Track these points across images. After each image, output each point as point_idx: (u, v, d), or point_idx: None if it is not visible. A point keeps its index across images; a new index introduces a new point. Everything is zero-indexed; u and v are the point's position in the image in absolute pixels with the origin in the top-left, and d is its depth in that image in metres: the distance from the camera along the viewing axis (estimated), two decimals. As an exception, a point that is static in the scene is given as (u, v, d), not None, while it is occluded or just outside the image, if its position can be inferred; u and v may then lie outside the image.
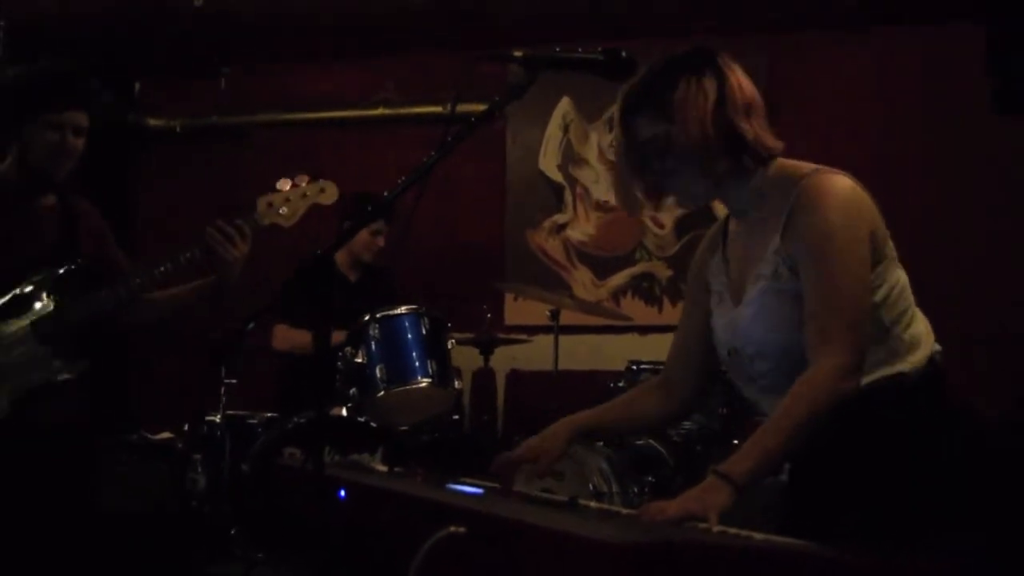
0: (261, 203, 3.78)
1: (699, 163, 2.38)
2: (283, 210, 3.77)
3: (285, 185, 3.80)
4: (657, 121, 2.39)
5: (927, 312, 2.45)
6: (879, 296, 2.34)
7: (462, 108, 5.54)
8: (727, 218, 2.60)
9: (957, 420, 2.37)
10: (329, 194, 3.84)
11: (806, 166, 2.42)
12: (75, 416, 3.78)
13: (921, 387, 2.35)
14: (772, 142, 2.43)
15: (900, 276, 2.40)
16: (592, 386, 5.50)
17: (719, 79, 2.38)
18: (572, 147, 7.13)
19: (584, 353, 6.59)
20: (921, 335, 2.39)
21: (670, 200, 2.53)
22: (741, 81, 2.42)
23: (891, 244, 2.40)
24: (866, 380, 2.28)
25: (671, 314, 6.85)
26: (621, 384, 5.17)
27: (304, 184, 3.81)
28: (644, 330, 6.80)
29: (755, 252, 2.43)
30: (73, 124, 3.71)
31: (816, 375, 2.24)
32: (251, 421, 4.88)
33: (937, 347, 2.41)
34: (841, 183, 2.35)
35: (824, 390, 2.22)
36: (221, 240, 3.70)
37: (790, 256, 2.33)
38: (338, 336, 4.94)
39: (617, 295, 7.01)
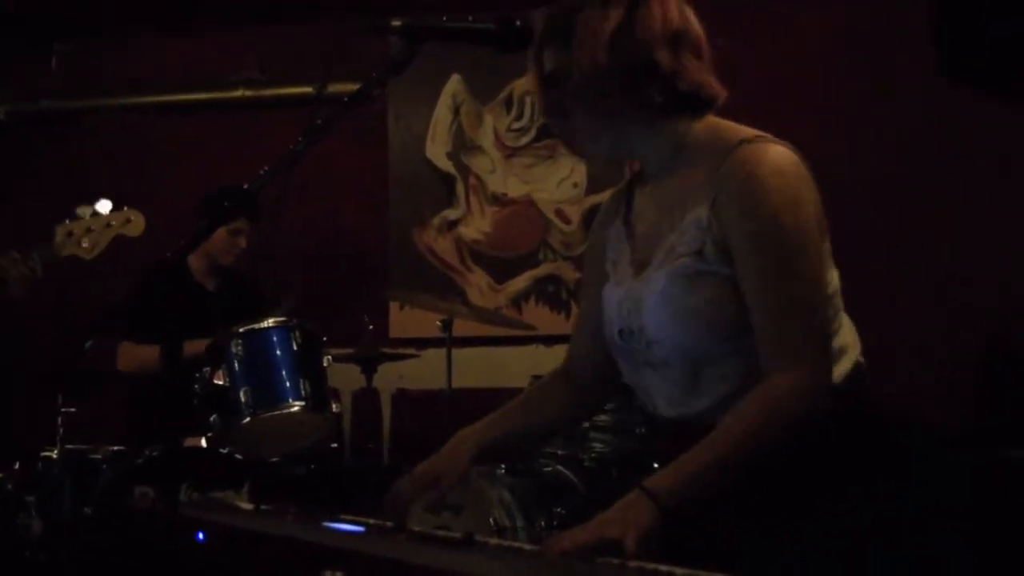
0: (60, 232, 3.74)
1: (598, 99, 2.36)
2: (84, 242, 3.73)
3: (86, 212, 3.76)
4: (558, 52, 2.39)
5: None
6: None
7: (335, 87, 5.52)
8: (631, 181, 2.59)
9: (883, 438, 2.37)
10: (136, 225, 3.82)
11: (745, 130, 2.38)
12: None
13: (843, 401, 2.30)
14: (703, 77, 2.40)
15: (833, 277, 2.38)
16: (491, 405, 5.48)
17: (632, 2, 2.36)
18: (464, 132, 7.13)
19: (481, 368, 6.60)
20: (848, 345, 2.38)
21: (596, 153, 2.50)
22: (669, 9, 2.38)
23: (828, 238, 2.38)
24: None
25: (580, 322, 6.87)
26: (524, 403, 5.18)
27: (108, 212, 3.78)
28: (549, 340, 6.81)
29: (671, 220, 2.39)
30: None
31: (773, 393, 2.20)
32: (94, 456, 4.80)
33: (861, 358, 2.40)
34: (789, 158, 2.31)
35: (791, 409, 2.18)
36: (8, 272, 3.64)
37: (721, 236, 2.28)
38: (194, 347, 4.90)
39: (518, 301, 7.03)
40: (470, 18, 2.41)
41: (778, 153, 2.30)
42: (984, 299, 6.28)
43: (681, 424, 2.36)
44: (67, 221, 3.73)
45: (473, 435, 2.67)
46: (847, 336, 2.39)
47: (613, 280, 2.53)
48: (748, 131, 2.37)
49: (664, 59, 2.34)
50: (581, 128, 2.43)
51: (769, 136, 2.35)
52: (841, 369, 2.33)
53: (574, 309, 6.93)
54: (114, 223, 3.77)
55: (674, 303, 2.32)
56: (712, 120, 2.43)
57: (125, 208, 3.78)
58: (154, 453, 4.50)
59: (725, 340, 2.28)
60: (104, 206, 3.77)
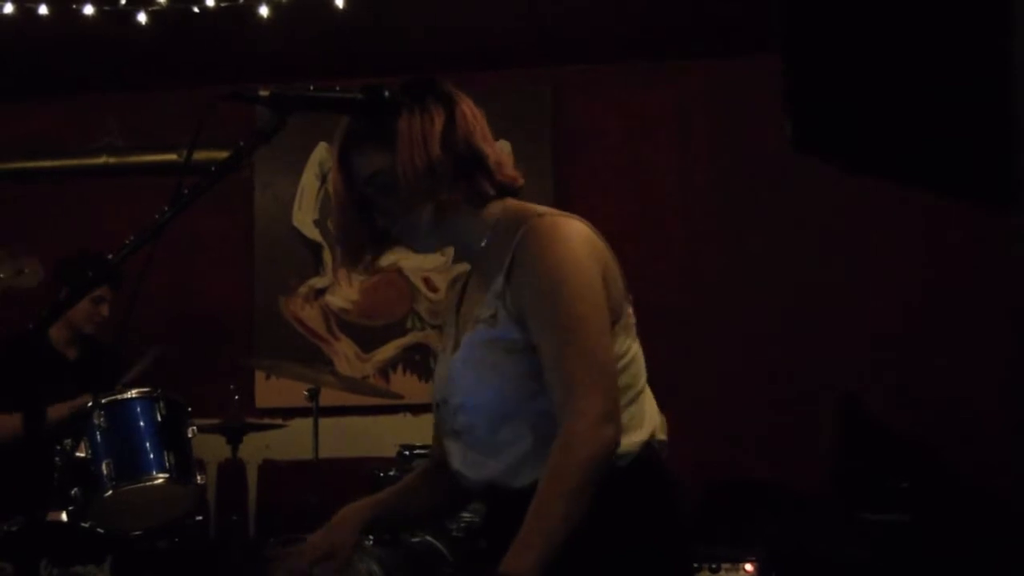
0: None
1: (431, 195, 2.48)
2: None
3: None
4: (379, 153, 2.49)
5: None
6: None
7: (201, 155, 5.49)
8: (467, 277, 2.71)
9: (665, 504, 2.50)
10: (30, 276, 3.67)
11: (540, 208, 2.54)
12: None
13: (629, 472, 2.43)
14: (513, 171, 2.57)
15: (633, 348, 2.52)
16: (359, 476, 5.48)
17: (447, 104, 2.51)
18: (331, 200, 7.09)
19: (349, 438, 6.56)
20: (643, 417, 2.50)
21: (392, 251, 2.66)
22: (474, 110, 2.55)
23: (630, 311, 2.53)
24: None
25: (448, 390, 6.88)
26: (392, 472, 5.17)
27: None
28: (417, 409, 6.80)
29: (477, 295, 2.55)
30: None
31: (570, 433, 2.32)
32: (-51, 531, 4.70)
33: (661, 436, 2.52)
34: (575, 226, 2.47)
35: (585, 445, 2.30)
36: None
37: (515, 302, 2.42)
38: (57, 411, 4.82)
39: (386, 370, 7.01)
40: (337, 88, 2.44)
41: (567, 224, 2.47)
42: (839, 362, 6.42)
43: (478, 484, 2.50)
44: None
45: (360, 511, 2.71)
46: (644, 408, 2.51)
47: (439, 362, 2.66)
48: (543, 208, 2.54)
49: (489, 151, 2.52)
50: (411, 225, 2.54)
51: (561, 212, 2.53)
52: (638, 438, 2.46)
53: (442, 377, 6.93)
54: (3, 275, 3.59)
55: (472, 368, 2.47)
56: (512, 202, 2.59)
57: (21, 257, 3.59)
58: (13, 527, 4.41)
59: (519, 401, 2.42)
60: None
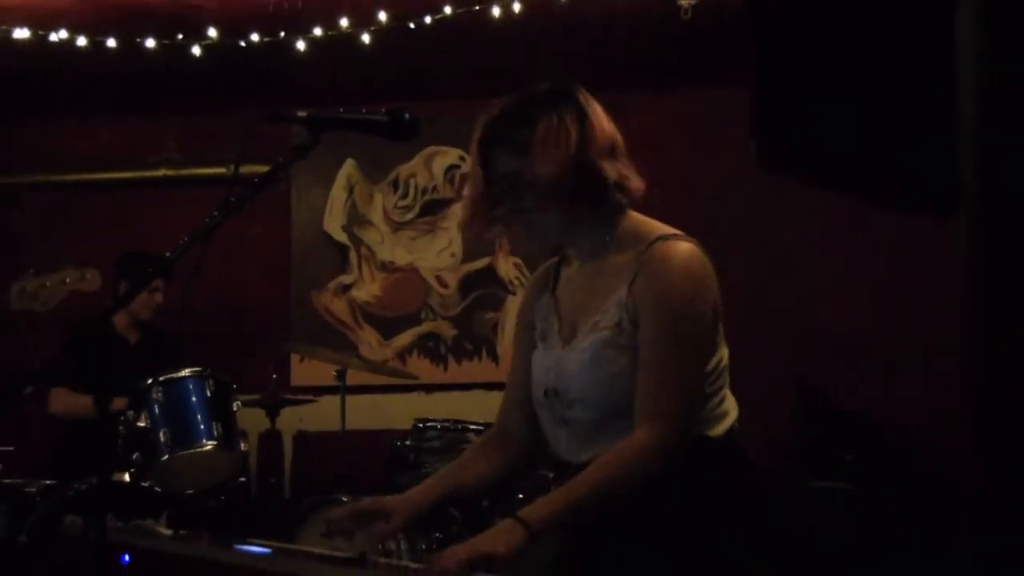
0: (15, 288, 3.67)
1: (556, 203, 2.37)
2: (39, 296, 3.66)
3: (45, 271, 3.71)
4: (514, 157, 2.38)
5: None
6: (710, 365, 2.38)
7: (246, 168, 5.48)
8: (559, 261, 2.61)
9: (749, 479, 2.43)
10: (91, 282, 3.75)
11: (660, 227, 2.44)
12: None
13: (720, 452, 2.38)
14: (636, 183, 2.44)
15: (724, 352, 2.44)
16: (379, 445, 5.50)
17: (580, 118, 2.39)
18: (357, 208, 7.13)
19: (371, 412, 6.56)
20: (729, 410, 2.44)
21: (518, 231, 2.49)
22: (603, 120, 2.43)
23: (720, 319, 2.44)
24: None
25: (456, 372, 6.92)
26: (408, 442, 5.18)
27: (65, 270, 3.71)
28: (430, 388, 6.84)
29: (595, 298, 2.43)
30: None
31: (634, 447, 2.25)
32: (28, 489, 4.70)
33: (737, 425, 2.45)
34: (693, 252, 2.38)
35: (637, 465, 2.24)
36: None
37: (634, 311, 2.33)
38: (119, 403, 4.83)
39: (403, 354, 7.02)
40: (364, 110, 2.43)
41: (688, 250, 2.38)
42: (793, 345, 6.42)
43: (580, 467, 2.37)
44: (25, 278, 3.65)
45: (424, 493, 2.57)
46: (730, 403, 2.45)
47: (542, 348, 2.54)
48: (666, 228, 2.44)
49: (611, 171, 2.39)
50: (532, 225, 2.43)
51: (682, 234, 2.43)
52: (722, 428, 2.39)
53: (451, 361, 6.96)
54: (69, 280, 3.68)
55: (596, 370, 2.36)
56: (633, 215, 2.48)
57: (83, 268, 3.70)
58: (83, 487, 4.42)
59: (632, 401, 2.32)
60: (65, 269, 3.69)
